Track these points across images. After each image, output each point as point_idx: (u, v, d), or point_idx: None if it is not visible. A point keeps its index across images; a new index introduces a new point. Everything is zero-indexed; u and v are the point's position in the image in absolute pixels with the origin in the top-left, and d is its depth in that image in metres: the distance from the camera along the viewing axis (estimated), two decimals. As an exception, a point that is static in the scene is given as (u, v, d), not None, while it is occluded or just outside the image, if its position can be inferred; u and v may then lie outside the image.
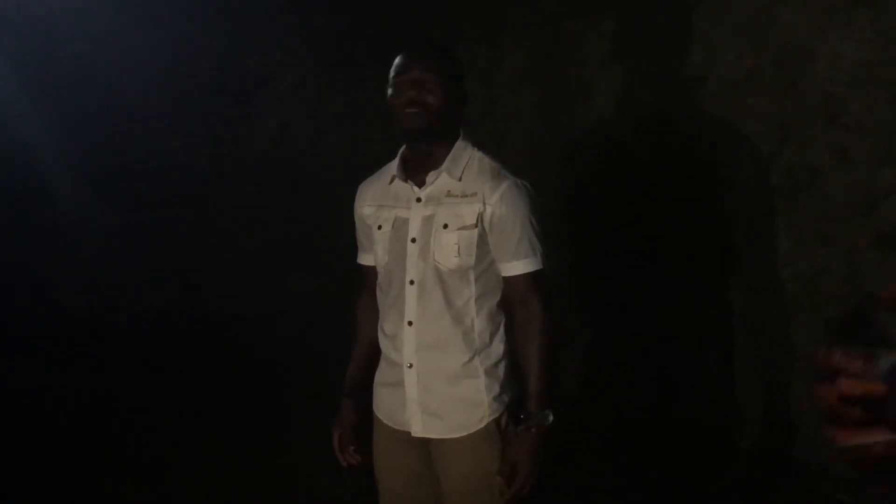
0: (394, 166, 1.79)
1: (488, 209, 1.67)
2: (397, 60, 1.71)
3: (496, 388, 1.74)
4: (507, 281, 1.72)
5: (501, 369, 1.76)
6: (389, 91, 1.71)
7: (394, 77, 1.70)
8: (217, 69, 5.35)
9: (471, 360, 1.72)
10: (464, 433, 1.73)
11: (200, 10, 4.99)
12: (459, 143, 1.75)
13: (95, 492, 3.11)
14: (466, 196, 1.69)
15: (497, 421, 1.74)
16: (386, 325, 1.80)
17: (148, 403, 3.97)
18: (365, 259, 1.91)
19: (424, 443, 1.78)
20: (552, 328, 1.72)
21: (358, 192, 1.89)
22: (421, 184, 1.73)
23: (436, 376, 1.73)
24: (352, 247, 1.96)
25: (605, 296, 3.65)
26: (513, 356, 1.79)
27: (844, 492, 2.78)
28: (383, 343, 1.82)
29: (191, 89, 5.31)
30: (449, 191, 1.70)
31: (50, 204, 5.25)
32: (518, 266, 1.70)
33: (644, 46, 3.36)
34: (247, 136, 5.51)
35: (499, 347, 1.76)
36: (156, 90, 5.22)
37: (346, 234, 2.00)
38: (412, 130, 1.70)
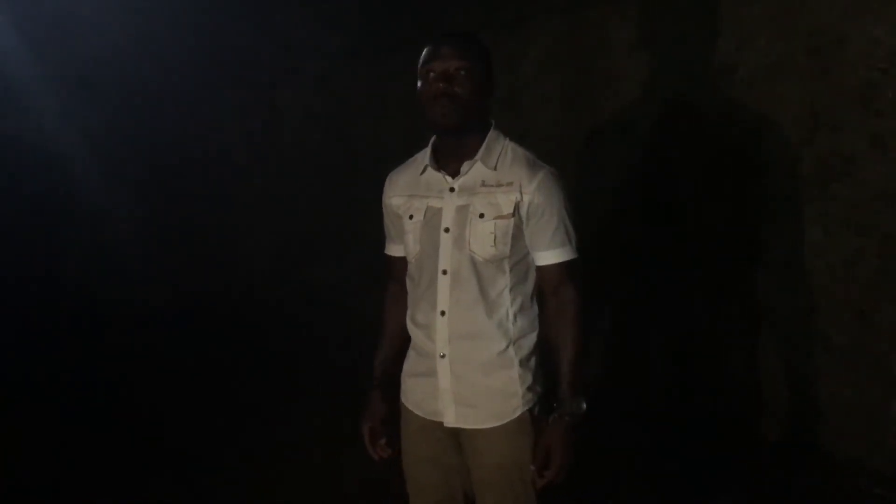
0: (425, 156, 1.77)
1: (525, 198, 1.66)
2: (426, 50, 1.69)
3: (529, 379, 1.74)
4: (542, 270, 1.71)
5: (533, 360, 1.76)
6: (419, 83, 1.69)
7: (422, 68, 1.68)
8: (243, 60, 5.37)
9: (505, 349, 1.71)
10: (497, 423, 1.72)
11: (225, 2, 5.01)
12: (492, 133, 1.73)
13: (121, 480, 3.16)
14: (502, 185, 1.67)
15: (530, 411, 1.74)
16: (417, 315, 1.78)
17: (173, 392, 4.02)
18: (393, 250, 1.89)
19: (455, 433, 1.77)
20: (584, 317, 1.71)
21: (387, 182, 1.86)
22: (454, 173, 1.71)
23: (469, 366, 1.72)
24: (377, 238, 1.94)
25: (630, 286, 3.62)
26: (543, 347, 1.78)
27: (881, 486, 2.74)
28: (414, 333, 1.81)
29: (217, 81, 5.34)
30: (483, 180, 1.68)
31: (78, 196, 5.32)
32: (553, 255, 1.69)
33: (672, 33, 3.31)
34: (273, 127, 5.53)
35: (531, 338, 1.76)
36: (181, 82, 5.26)
37: (372, 225, 1.98)
38: (443, 124, 1.67)
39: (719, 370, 3.28)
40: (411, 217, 1.76)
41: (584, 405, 1.67)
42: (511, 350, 1.71)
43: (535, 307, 1.76)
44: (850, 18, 2.72)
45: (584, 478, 2.91)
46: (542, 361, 1.78)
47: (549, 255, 1.69)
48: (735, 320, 3.22)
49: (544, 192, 1.66)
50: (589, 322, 3.77)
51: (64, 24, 5.01)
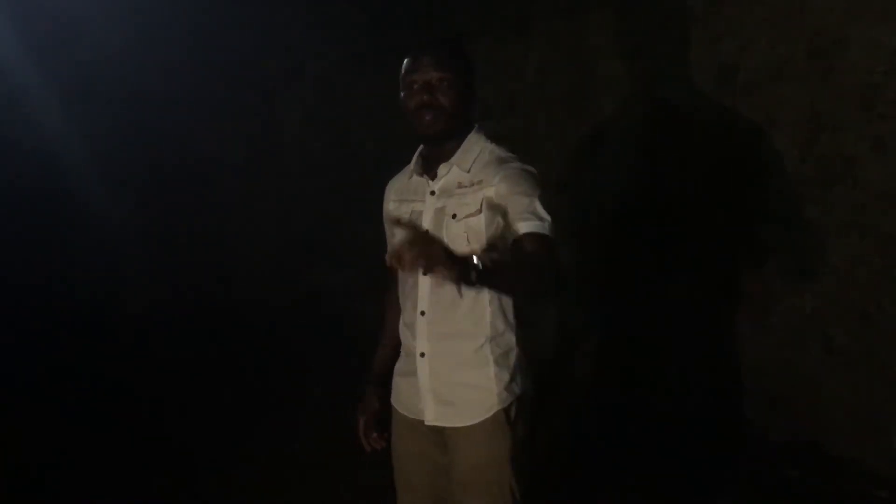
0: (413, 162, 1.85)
1: (491, 190, 1.67)
2: (406, 60, 1.75)
3: (506, 377, 1.74)
4: (515, 245, 1.64)
5: (513, 359, 1.77)
6: (402, 93, 1.75)
7: (404, 78, 1.74)
8: (243, 63, 5.37)
9: (481, 347, 1.73)
10: (473, 421, 1.74)
11: (226, 7, 5.01)
12: (472, 136, 1.78)
13: (122, 480, 3.15)
14: (473, 185, 1.70)
15: (507, 411, 1.74)
16: (405, 316, 1.84)
17: (173, 394, 4.02)
18: None
19: (439, 432, 1.79)
20: (548, 275, 1.58)
21: (386, 189, 1.94)
22: (434, 177, 1.77)
23: (447, 364, 1.75)
24: (377, 241, 1.97)
25: (631, 287, 3.62)
26: (526, 347, 1.79)
27: (882, 488, 2.73)
28: (403, 333, 1.86)
29: (217, 83, 5.35)
30: (460, 182, 1.73)
31: (78, 198, 5.32)
32: (523, 227, 1.62)
33: (672, 36, 3.32)
34: (273, 130, 5.54)
35: (510, 336, 1.77)
36: (182, 84, 5.26)
37: (372, 228, 2.01)
38: (427, 134, 1.74)
39: (720, 370, 3.28)
40: (399, 221, 1.81)
41: (478, 265, 1.42)
42: (487, 347, 1.73)
43: (513, 305, 1.77)
44: (851, 21, 2.73)
45: (584, 478, 2.94)
46: (525, 363, 1.79)
47: (519, 227, 1.62)
48: (736, 321, 3.22)
49: (509, 181, 1.67)
50: (589, 323, 3.79)
51: (64, 27, 5.01)
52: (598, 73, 3.68)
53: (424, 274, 1.40)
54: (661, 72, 3.38)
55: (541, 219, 1.63)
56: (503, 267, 1.54)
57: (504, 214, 1.66)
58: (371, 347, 2.01)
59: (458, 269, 1.39)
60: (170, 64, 5.20)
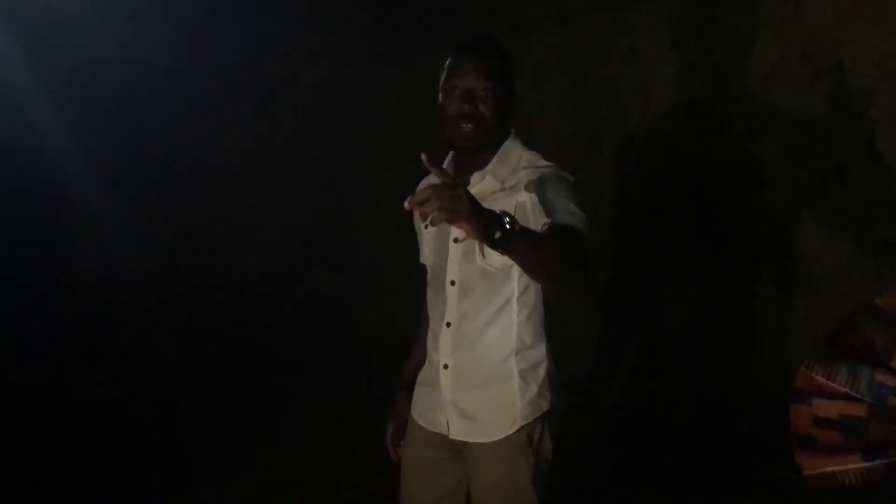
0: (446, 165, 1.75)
1: (525, 195, 1.60)
2: (450, 61, 1.66)
3: (531, 393, 1.68)
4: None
5: (541, 374, 1.70)
6: (441, 96, 1.67)
7: (446, 82, 1.65)
8: (240, 68, 5.39)
9: (506, 359, 1.67)
10: (496, 437, 1.68)
11: (223, 9, 5.03)
12: (507, 144, 1.70)
13: (122, 480, 3.16)
14: (506, 190, 1.63)
15: (531, 430, 1.68)
16: (432, 324, 1.78)
17: (173, 396, 4.04)
18: (423, 258, 1.88)
19: (458, 447, 1.74)
20: (576, 264, 1.42)
21: (416, 191, 1.84)
22: (467, 185, 1.63)
23: (470, 377, 1.70)
24: (375, 246, 1.96)
25: (630, 289, 3.64)
26: (556, 364, 1.73)
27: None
28: (429, 342, 1.80)
29: (213, 88, 5.35)
30: (494, 190, 1.65)
31: (74, 202, 5.32)
32: (554, 219, 1.49)
33: (668, 41, 3.34)
34: (269, 135, 5.55)
35: (538, 350, 1.70)
36: (178, 89, 5.26)
37: (369, 234, 2.00)
38: (463, 146, 1.66)
39: (719, 371, 3.31)
40: (426, 227, 1.77)
41: (508, 227, 1.30)
42: (512, 360, 1.67)
43: (543, 317, 1.71)
44: (844, 25, 2.75)
45: (584, 478, 2.95)
46: (556, 379, 1.73)
47: (549, 220, 1.51)
48: (734, 323, 3.24)
49: (543, 186, 1.58)
50: (588, 324, 3.80)
51: (61, 31, 5.00)
52: (594, 77, 3.71)
53: (438, 224, 1.25)
54: (656, 76, 3.41)
55: (573, 214, 1.51)
56: (532, 236, 1.39)
57: (538, 210, 1.56)
58: (371, 348, 1.99)
59: (482, 224, 1.26)
60: (168, 67, 5.20)
